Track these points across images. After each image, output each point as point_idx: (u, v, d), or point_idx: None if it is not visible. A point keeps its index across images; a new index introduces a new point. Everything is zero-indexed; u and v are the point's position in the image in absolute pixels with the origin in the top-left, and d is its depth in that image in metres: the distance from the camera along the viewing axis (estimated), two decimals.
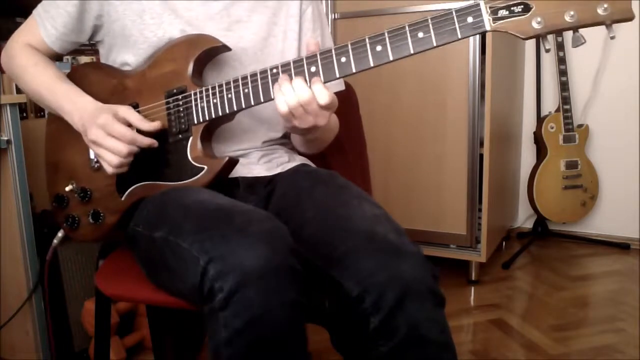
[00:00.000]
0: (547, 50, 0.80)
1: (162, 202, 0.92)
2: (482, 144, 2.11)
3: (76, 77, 1.07)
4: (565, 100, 2.48)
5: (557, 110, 2.51)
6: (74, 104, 0.99)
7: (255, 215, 0.80)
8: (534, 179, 2.52)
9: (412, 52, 0.81)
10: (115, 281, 1.03)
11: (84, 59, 1.93)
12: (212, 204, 0.85)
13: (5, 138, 1.47)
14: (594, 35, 2.63)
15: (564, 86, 2.47)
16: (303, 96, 0.84)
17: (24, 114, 1.75)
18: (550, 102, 2.66)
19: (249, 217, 0.80)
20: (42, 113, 1.81)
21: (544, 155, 2.51)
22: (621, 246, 2.56)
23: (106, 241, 1.11)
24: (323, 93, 0.84)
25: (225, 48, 0.97)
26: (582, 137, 2.53)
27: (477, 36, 2.01)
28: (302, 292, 0.77)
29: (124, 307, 1.66)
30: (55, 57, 1.12)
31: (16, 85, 1.69)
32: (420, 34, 0.79)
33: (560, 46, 2.47)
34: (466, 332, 1.84)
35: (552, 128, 2.50)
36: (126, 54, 1.03)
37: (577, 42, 0.77)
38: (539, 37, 0.77)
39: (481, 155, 2.12)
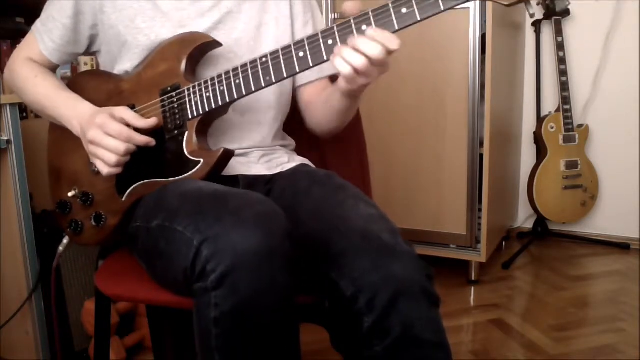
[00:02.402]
0: (532, 15, 0.81)
1: (160, 195, 0.92)
2: (482, 144, 2.11)
3: (75, 85, 1.09)
4: (565, 100, 2.48)
5: (557, 110, 2.51)
6: (74, 111, 1.01)
7: (250, 198, 0.81)
8: (534, 179, 2.52)
9: (396, 28, 0.82)
10: (115, 281, 1.03)
11: (84, 60, 1.93)
12: (208, 189, 0.85)
13: (5, 138, 1.47)
14: (594, 35, 2.63)
15: (564, 86, 2.47)
16: (370, 51, 0.81)
17: (24, 114, 1.74)
18: (550, 102, 2.66)
19: (245, 199, 0.80)
20: None
21: (544, 155, 2.51)
22: (621, 246, 2.56)
23: (109, 244, 1.12)
24: (386, 37, 0.81)
25: (217, 44, 0.99)
26: (582, 137, 2.53)
27: (478, 36, 2.01)
28: (294, 275, 0.77)
29: (124, 307, 1.66)
30: (55, 69, 1.15)
31: None
32: (404, 10, 0.81)
33: (560, 46, 2.47)
34: (466, 332, 1.84)
35: (552, 128, 2.50)
36: (124, 62, 1.04)
37: (562, 6, 0.78)
38: (524, 3, 0.77)
39: (481, 155, 2.12)
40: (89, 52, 1.13)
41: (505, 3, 0.76)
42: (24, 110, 1.74)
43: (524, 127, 2.75)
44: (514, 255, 2.45)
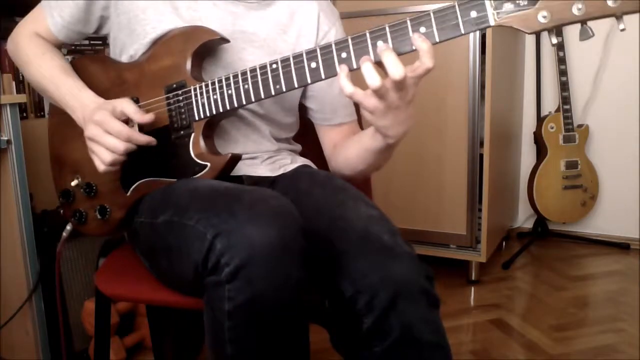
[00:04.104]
0: (554, 45, 0.77)
1: (168, 191, 0.92)
2: (482, 144, 2.11)
3: (77, 68, 1.06)
4: (565, 100, 2.48)
5: (557, 110, 2.51)
6: (77, 100, 0.99)
7: (264, 194, 0.80)
8: (534, 179, 2.52)
9: (413, 47, 0.78)
10: (116, 281, 1.03)
11: None
12: (220, 186, 0.85)
13: (5, 138, 1.47)
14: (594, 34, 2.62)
15: (564, 86, 2.47)
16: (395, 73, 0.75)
17: (24, 114, 1.74)
18: (550, 102, 2.66)
19: (258, 195, 0.79)
20: (42, 113, 1.81)
21: (544, 155, 2.51)
22: (621, 246, 2.56)
23: (114, 235, 1.11)
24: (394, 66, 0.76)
25: (224, 40, 0.96)
26: (582, 137, 2.53)
27: (478, 36, 2.01)
28: (307, 269, 0.77)
29: (124, 307, 1.66)
30: (61, 47, 1.12)
31: (16, 85, 1.69)
32: (423, 29, 0.77)
33: (560, 46, 2.47)
34: (466, 332, 1.84)
35: (552, 128, 2.50)
36: (129, 51, 1.02)
37: (585, 35, 0.74)
38: (546, 32, 0.74)
39: (481, 155, 2.12)
40: (98, 33, 1.10)
41: (527, 31, 0.74)
42: (24, 110, 1.74)
43: (524, 127, 2.75)
44: (514, 255, 2.44)
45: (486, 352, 1.69)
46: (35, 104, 1.79)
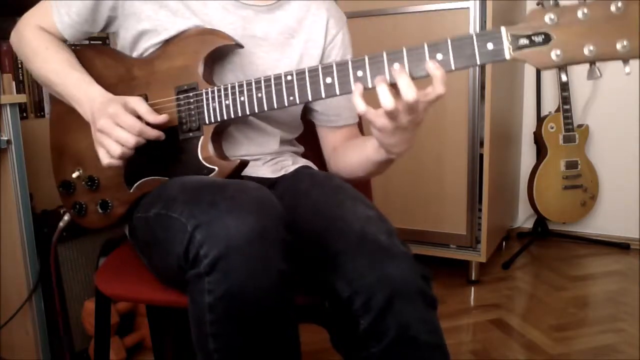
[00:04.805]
0: (563, 83, 0.79)
1: (162, 186, 0.92)
2: (482, 144, 2.11)
3: (81, 60, 1.05)
4: (565, 100, 2.48)
5: (557, 110, 2.51)
6: (85, 94, 0.98)
7: (246, 185, 0.81)
8: (534, 179, 2.52)
9: (428, 74, 0.79)
10: (116, 281, 1.03)
11: None
12: (209, 180, 0.86)
13: (5, 138, 1.47)
14: None
15: (564, 86, 2.47)
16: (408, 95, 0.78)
17: (24, 114, 1.74)
18: (550, 102, 2.66)
19: (241, 187, 0.80)
20: (42, 113, 1.81)
21: (544, 155, 2.51)
22: (621, 246, 2.56)
23: (112, 229, 1.10)
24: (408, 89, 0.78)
25: (238, 46, 0.96)
26: (582, 137, 2.53)
27: None
28: (290, 262, 0.77)
29: (124, 307, 1.66)
30: (65, 42, 1.10)
31: (16, 85, 1.70)
32: (439, 56, 0.78)
33: None
34: (466, 332, 1.84)
35: (552, 128, 2.50)
36: (140, 48, 1.02)
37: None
38: (557, 69, 0.77)
39: (481, 155, 2.12)
40: (104, 31, 1.09)
41: (540, 67, 0.76)
42: (24, 110, 1.74)
43: (524, 127, 2.75)
44: (514, 255, 2.45)
45: (486, 352, 1.69)
46: (35, 104, 1.79)
